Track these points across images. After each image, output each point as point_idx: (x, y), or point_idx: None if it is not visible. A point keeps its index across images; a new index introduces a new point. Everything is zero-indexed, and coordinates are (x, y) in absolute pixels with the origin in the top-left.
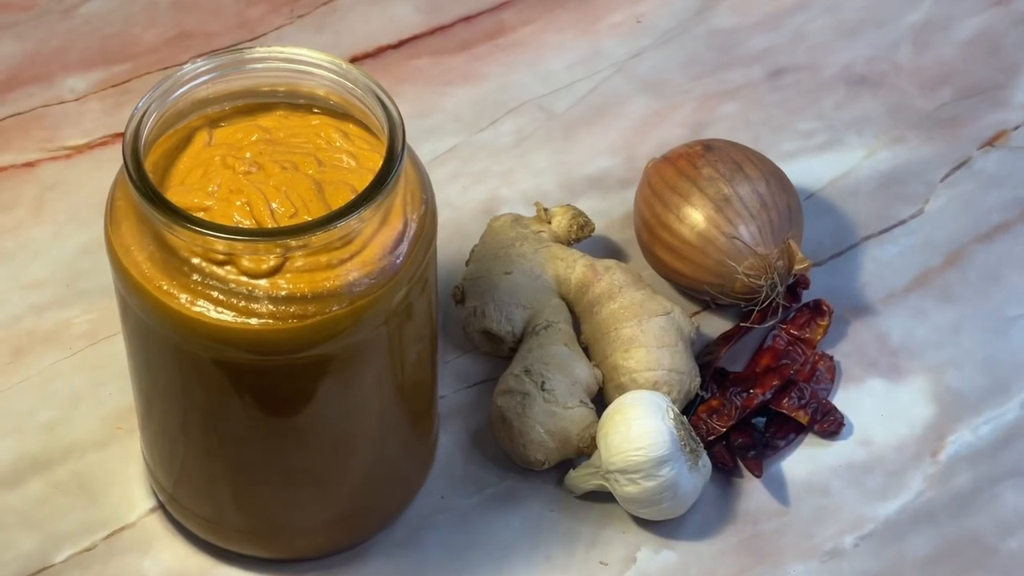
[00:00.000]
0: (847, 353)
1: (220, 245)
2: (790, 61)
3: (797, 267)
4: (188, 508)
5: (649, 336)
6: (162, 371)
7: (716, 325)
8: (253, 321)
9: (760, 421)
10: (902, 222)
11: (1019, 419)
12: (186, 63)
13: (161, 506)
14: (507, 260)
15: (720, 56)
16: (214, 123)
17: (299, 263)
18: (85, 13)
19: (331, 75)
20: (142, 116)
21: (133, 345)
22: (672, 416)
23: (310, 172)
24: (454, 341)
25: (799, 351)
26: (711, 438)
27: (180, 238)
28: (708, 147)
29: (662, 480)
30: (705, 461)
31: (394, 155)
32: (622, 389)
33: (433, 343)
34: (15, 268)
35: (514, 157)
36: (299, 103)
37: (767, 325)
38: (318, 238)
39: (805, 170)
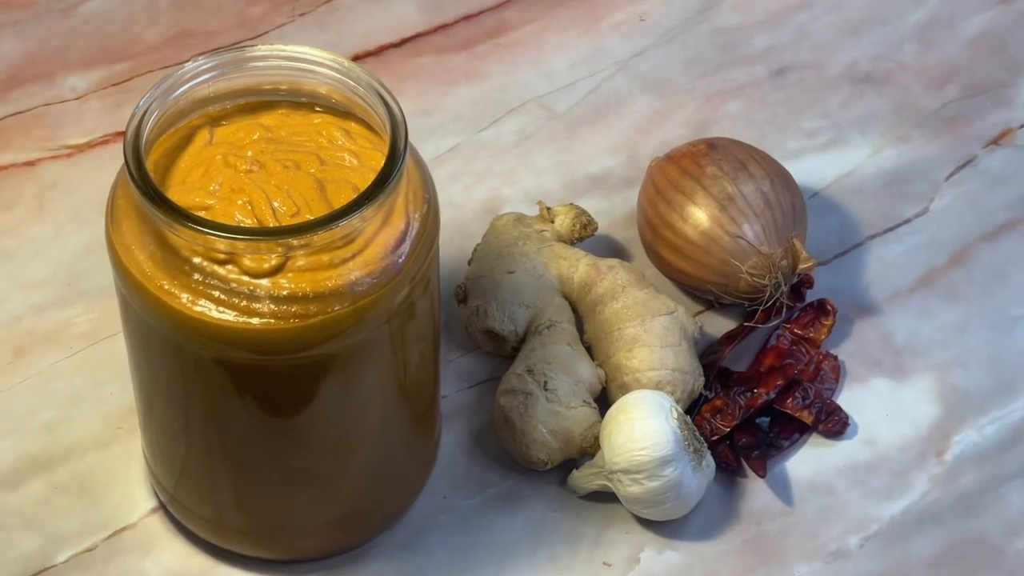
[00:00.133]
0: (851, 353)
1: (221, 244)
2: (794, 59)
3: (801, 266)
4: (189, 508)
5: (652, 336)
6: (163, 371)
7: (720, 324)
8: (255, 321)
9: (764, 421)
10: (907, 221)
11: None
12: (187, 61)
13: (162, 506)
14: (510, 259)
15: (723, 55)
16: (215, 122)
17: (301, 262)
18: (86, 12)
19: (333, 73)
20: (143, 115)
21: (134, 345)
22: (676, 416)
23: (312, 171)
24: (456, 340)
25: (803, 351)
26: (715, 438)
27: (181, 237)
28: (712, 146)
29: (666, 480)
30: (709, 461)
31: (396, 154)
32: (625, 389)
33: (435, 342)
34: (16, 267)
35: (516, 156)
36: (301, 101)
37: (771, 324)
38: (320, 237)
39: (809, 169)
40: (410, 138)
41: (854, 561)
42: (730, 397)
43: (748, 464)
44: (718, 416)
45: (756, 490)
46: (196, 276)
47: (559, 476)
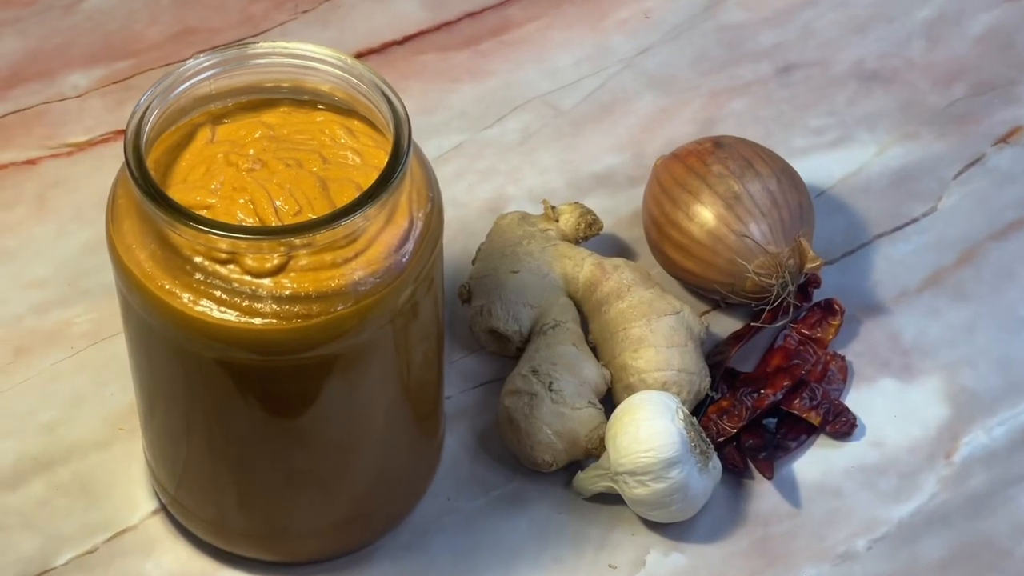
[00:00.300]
0: (859, 353)
1: (223, 244)
2: (800, 57)
3: (808, 266)
4: (191, 510)
5: (658, 336)
6: (164, 371)
7: (726, 324)
8: (257, 321)
9: (771, 422)
10: (915, 220)
11: None
12: (189, 59)
13: (163, 508)
14: (514, 258)
15: (729, 52)
16: (217, 120)
17: (303, 262)
18: (87, 9)
19: (336, 71)
20: (144, 113)
21: (135, 345)
22: (682, 417)
23: (314, 169)
24: (460, 341)
25: (810, 351)
26: (721, 439)
27: (182, 236)
28: (718, 144)
29: (672, 482)
30: (715, 463)
31: (400, 152)
32: (631, 389)
33: (439, 343)
34: (16, 267)
35: (521, 154)
36: (303, 99)
37: (778, 325)
38: (323, 236)
39: (816, 167)
40: (413, 136)
41: (862, 563)
42: (737, 398)
43: (755, 466)
44: (724, 417)
45: (763, 492)
46: (197, 276)
47: (564, 478)
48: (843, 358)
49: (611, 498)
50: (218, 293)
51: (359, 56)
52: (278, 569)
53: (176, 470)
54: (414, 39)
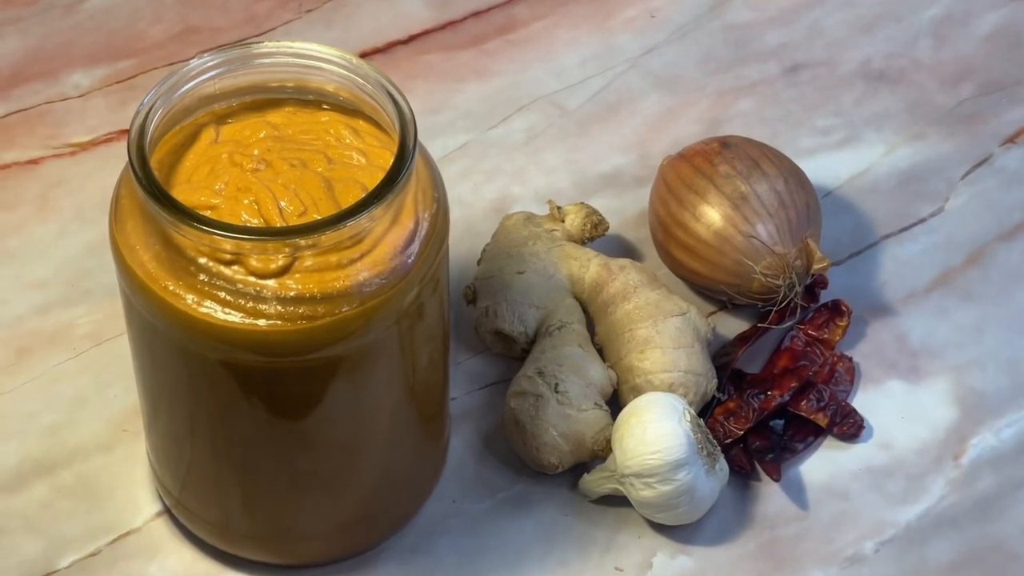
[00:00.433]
0: (866, 354)
1: (227, 244)
2: (807, 57)
3: (815, 266)
4: (195, 513)
5: (665, 337)
6: (168, 373)
7: (733, 326)
8: (261, 322)
9: (778, 424)
10: (922, 220)
11: None
12: (192, 59)
13: (167, 511)
14: (520, 259)
15: (735, 51)
16: (221, 120)
17: (308, 263)
18: (90, 8)
19: (341, 70)
20: (148, 112)
21: (138, 346)
22: (689, 419)
23: (319, 170)
24: (466, 342)
25: (817, 352)
26: (728, 441)
27: (186, 237)
28: (725, 144)
29: (678, 484)
30: (722, 464)
31: (406, 152)
32: (637, 391)
33: (445, 344)
34: (19, 267)
35: (526, 154)
36: (308, 99)
37: (785, 326)
38: (328, 237)
39: (823, 167)
40: (419, 136)
41: (870, 566)
42: (743, 399)
43: (762, 467)
44: (731, 419)
45: (770, 494)
46: (202, 277)
47: (570, 480)
48: (850, 359)
49: (617, 500)
50: (222, 294)
51: (363, 55)
52: (283, 572)
53: (180, 472)
54: (419, 38)
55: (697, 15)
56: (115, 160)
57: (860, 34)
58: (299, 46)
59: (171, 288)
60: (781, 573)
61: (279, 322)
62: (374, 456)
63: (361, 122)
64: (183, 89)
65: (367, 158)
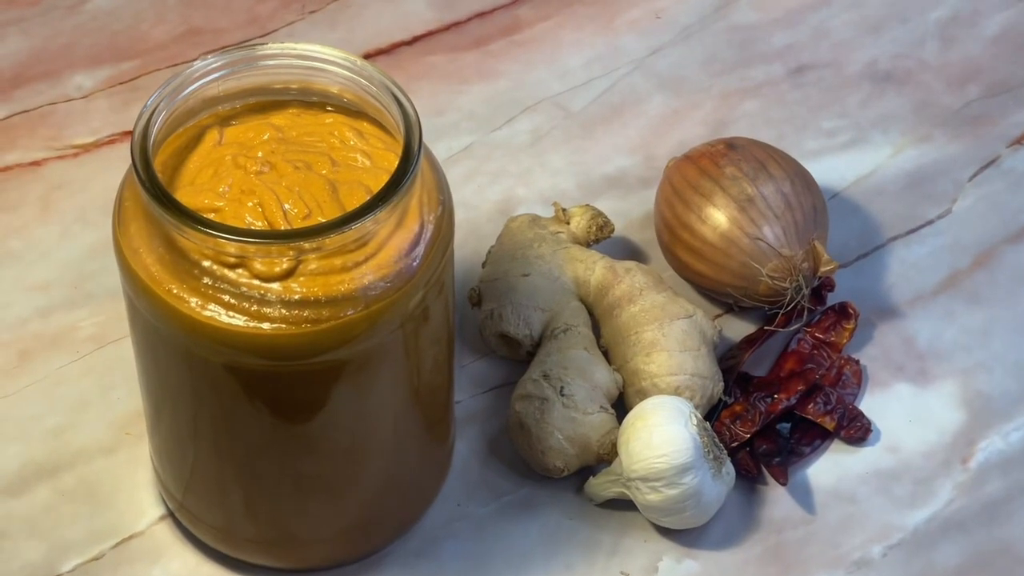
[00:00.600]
0: (874, 357)
1: (231, 247)
2: (812, 58)
3: (822, 269)
4: (198, 516)
5: (671, 340)
6: (171, 376)
7: (739, 328)
8: (265, 326)
9: (785, 427)
10: (929, 222)
11: None
12: (196, 60)
13: (170, 514)
14: (525, 261)
15: (740, 53)
16: (225, 121)
17: (313, 266)
18: (92, 9)
19: (345, 72)
20: (151, 114)
21: (142, 349)
22: (695, 422)
23: (324, 172)
24: (470, 345)
25: (824, 355)
26: (735, 444)
27: (190, 240)
28: (731, 146)
29: (685, 488)
30: (729, 468)
31: (410, 154)
32: (643, 394)
33: (450, 347)
34: (21, 269)
35: (531, 156)
36: (312, 101)
37: (791, 328)
38: (332, 240)
39: (829, 169)
40: (423, 138)
41: (877, 570)
42: (750, 403)
43: (769, 471)
44: (738, 422)
45: (777, 498)
46: (205, 280)
47: (576, 483)
48: (857, 362)
49: (623, 504)
50: (226, 297)
51: (367, 57)
52: None
53: (183, 476)
54: (423, 39)
55: (702, 16)
56: (118, 162)
57: (866, 35)
58: (303, 47)
59: (175, 291)
60: None
61: (283, 326)
62: (378, 460)
63: (365, 124)
64: (187, 91)
65: (371, 160)
